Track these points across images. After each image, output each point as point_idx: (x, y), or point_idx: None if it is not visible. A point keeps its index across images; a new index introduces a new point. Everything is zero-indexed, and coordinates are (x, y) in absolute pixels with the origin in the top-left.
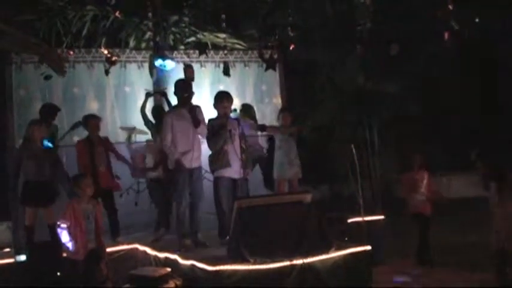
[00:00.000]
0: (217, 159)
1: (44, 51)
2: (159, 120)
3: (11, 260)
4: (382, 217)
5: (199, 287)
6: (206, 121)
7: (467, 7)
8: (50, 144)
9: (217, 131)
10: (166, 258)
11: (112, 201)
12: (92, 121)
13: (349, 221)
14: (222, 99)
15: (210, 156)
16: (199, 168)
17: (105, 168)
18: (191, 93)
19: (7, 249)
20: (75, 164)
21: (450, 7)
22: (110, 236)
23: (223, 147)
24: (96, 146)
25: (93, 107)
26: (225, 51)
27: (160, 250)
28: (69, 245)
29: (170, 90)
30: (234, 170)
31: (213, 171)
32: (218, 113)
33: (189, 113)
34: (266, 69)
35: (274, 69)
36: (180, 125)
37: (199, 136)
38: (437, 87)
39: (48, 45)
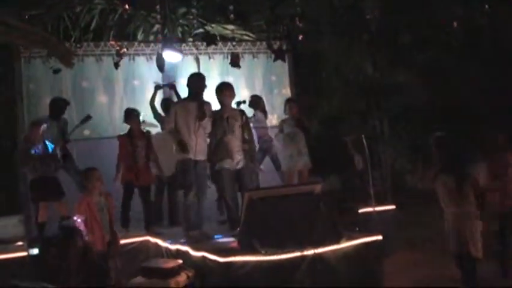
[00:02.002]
0: (218, 151)
1: (52, 44)
2: (168, 112)
3: (23, 254)
4: (393, 207)
5: (211, 278)
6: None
7: None
8: (49, 147)
9: (216, 121)
10: (177, 250)
11: (149, 194)
12: (132, 116)
13: (360, 211)
14: (221, 89)
15: (211, 148)
16: (204, 161)
17: (143, 163)
18: (203, 88)
19: (20, 243)
20: (85, 157)
21: None
22: (145, 227)
23: (222, 138)
24: (136, 140)
25: (102, 100)
26: (234, 43)
27: (171, 242)
28: (87, 238)
29: (179, 83)
30: (234, 161)
31: (214, 163)
32: (219, 104)
33: (198, 106)
34: (275, 60)
35: (284, 60)
36: (184, 117)
37: (204, 130)
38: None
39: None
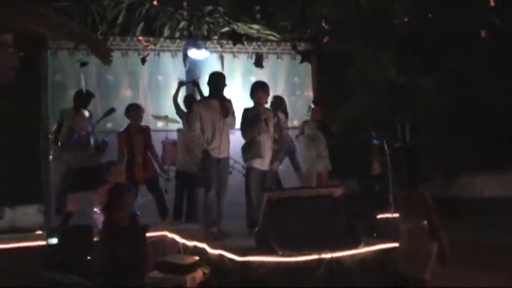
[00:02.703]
0: (250, 149)
1: (93, 41)
2: (190, 109)
3: (42, 243)
4: None
5: (227, 277)
6: (236, 114)
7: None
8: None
9: (251, 120)
10: (194, 246)
11: (156, 185)
12: (131, 112)
13: (379, 217)
14: (258, 89)
15: (243, 146)
16: (227, 159)
17: (142, 158)
18: (224, 85)
19: (38, 232)
20: (108, 149)
21: (492, 3)
22: (159, 215)
23: (256, 137)
24: (134, 136)
25: (126, 94)
26: (258, 43)
27: (188, 238)
28: None
29: (203, 80)
30: (265, 161)
31: (245, 160)
32: (254, 103)
33: (220, 104)
34: (302, 62)
35: (310, 62)
36: (208, 116)
37: (228, 128)
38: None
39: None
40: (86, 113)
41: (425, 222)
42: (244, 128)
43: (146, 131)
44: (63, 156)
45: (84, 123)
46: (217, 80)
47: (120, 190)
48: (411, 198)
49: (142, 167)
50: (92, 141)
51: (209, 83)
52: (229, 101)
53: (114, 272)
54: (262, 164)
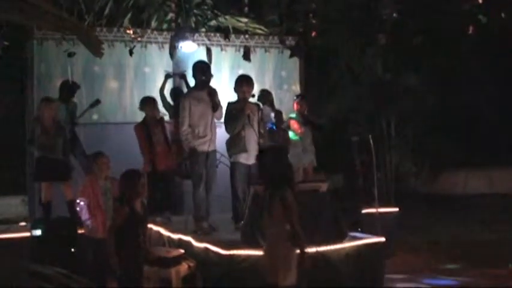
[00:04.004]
0: (235, 144)
1: (83, 32)
2: (177, 101)
3: (26, 234)
4: (396, 209)
5: (213, 270)
6: (222, 104)
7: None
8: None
9: (235, 115)
10: (180, 239)
11: (169, 182)
12: (148, 105)
13: (363, 211)
14: (242, 82)
15: (228, 140)
16: (215, 152)
17: (163, 148)
18: (210, 76)
19: (22, 223)
20: (93, 141)
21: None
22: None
23: (240, 132)
24: (152, 127)
25: (112, 86)
26: (246, 36)
27: (174, 231)
28: (89, 222)
29: (190, 73)
30: (250, 156)
31: (230, 155)
32: (238, 97)
33: (208, 95)
34: (291, 56)
35: (300, 57)
36: (198, 109)
37: (215, 119)
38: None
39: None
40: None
41: (287, 226)
42: (228, 122)
43: (162, 121)
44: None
45: (59, 113)
46: (202, 70)
47: (138, 177)
48: (273, 199)
49: (165, 156)
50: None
51: (194, 75)
52: (214, 90)
53: (137, 262)
54: (247, 158)
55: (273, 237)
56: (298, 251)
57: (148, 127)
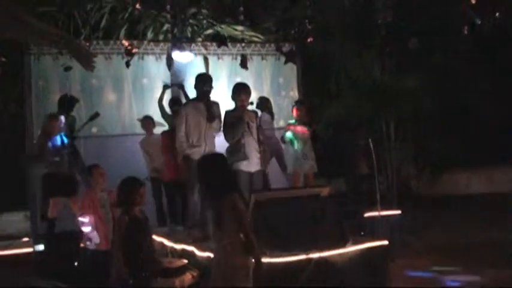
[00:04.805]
0: (235, 152)
1: (73, 46)
2: (176, 112)
3: (29, 250)
4: (398, 212)
5: None
6: (221, 113)
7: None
8: (65, 140)
9: (234, 123)
10: (183, 249)
11: (183, 188)
12: None
13: (366, 215)
14: (239, 91)
15: (228, 149)
16: None
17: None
18: (210, 88)
19: (25, 239)
20: (93, 154)
21: (473, 1)
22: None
23: (240, 140)
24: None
25: (111, 98)
26: (243, 44)
27: (176, 242)
28: (93, 235)
29: (187, 82)
30: (251, 163)
31: (230, 163)
32: (236, 105)
33: (206, 107)
34: (286, 62)
35: (295, 63)
36: (194, 119)
37: (214, 131)
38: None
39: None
40: (62, 118)
41: (241, 235)
42: (226, 130)
43: None
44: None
45: (60, 127)
46: (204, 82)
47: (137, 185)
48: (222, 208)
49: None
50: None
51: (195, 86)
52: (216, 104)
53: (144, 270)
54: (248, 166)
55: (225, 249)
56: (253, 260)
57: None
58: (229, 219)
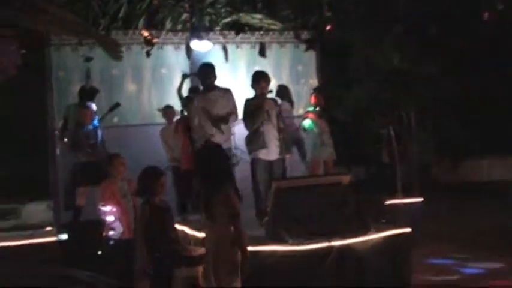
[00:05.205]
0: (254, 140)
1: (100, 37)
2: (191, 100)
3: (53, 239)
4: (420, 199)
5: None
6: (238, 104)
7: None
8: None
9: (253, 111)
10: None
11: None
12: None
13: (387, 203)
14: (259, 79)
15: (247, 137)
16: (229, 149)
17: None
18: (213, 77)
19: (49, 228)
20: (113, 144)
21: None
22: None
23: (259, 128)
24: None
25: (130, 88)
26: (261, 32)
27: (198, 230)
28: (116, 225)
29: None
30: (270, 151)
31: (249, 152)
32: (255, 93)
33: (219, 96)
34: (307, 50)
35: (315, 50)
36: (207, 109)
37: (231, 122)
38: (477, 69)
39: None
40: (94, 107)
41: (231, 228)
42: (246, 118)
43: None
44: (72, 151)
45: (92, 116)
46: (205, 72)
47: (158, 175)
48: (215, 200)
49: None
50: (99, 135)
51: (199, 76)
52: (229, 92)
53: (167, 259)
54: (267, 154)
55: (215, 241)
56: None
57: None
58: (221, 212)
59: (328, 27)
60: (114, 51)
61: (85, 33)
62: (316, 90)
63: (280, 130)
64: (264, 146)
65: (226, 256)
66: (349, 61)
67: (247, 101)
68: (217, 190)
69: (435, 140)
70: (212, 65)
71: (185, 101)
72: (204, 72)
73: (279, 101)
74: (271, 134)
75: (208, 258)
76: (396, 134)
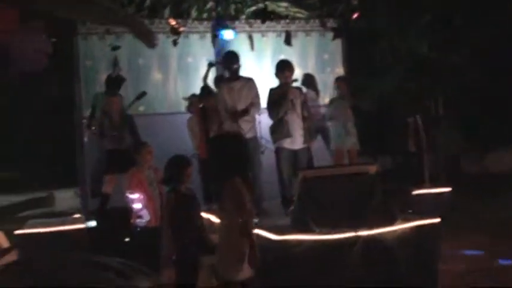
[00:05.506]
0: (278, 130)
1: (135, 24)
2: (219, 87)
3: (81, 226)
4: (448, 189)
5: (264, 256)
6: (261, 93)
7: None
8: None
9: (277, 100)
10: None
11: None
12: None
13: (414, 193)
14: (283, 68)
15: (271, 126)
16: (254, 138)
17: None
18: (238, 65)
19: (77, 215)
20: (140, 133)
21: None
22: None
23: (284, 117)
24: (209, 114)
25: (156, 77)
26: (287, 20)
27: None
28: (143, 212)
29: None
30: (295, 140)
31: (274, 141)
32: (279, 82)
33: (241, 85)
34: (334, 38)
35: (343, 38)
36: (230, 98)
37: (254, 113)
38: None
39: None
40: (121, 97)
41: (239, 219)
42: (270, 107)
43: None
44: (100, 140)
45: (120, 105)
46: (229, 60)
47: (185, 164)
48: (224, 189)
49: None
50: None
51: (223, 64)
52: (251, 80)
53: (193, 247)
54: (292, 143)
55: (223, 230)
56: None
57: (205, 112)
58: (229, 202)
59: (354, 16)
60: (148, 39)
61: (119, 20)
62: (339, 79)
63: (304, 119)
64: (288, 135)
65: (234, 246)
66: (375, 50)
67: (271, 90)
68: (224, 180)
69: (462, 130)
70: (236, 53)
71: (203, 91)
72: (228, 60)
73: (304, 89)
74: (295, 123)
75: (218, 248)
76: (423, 123)
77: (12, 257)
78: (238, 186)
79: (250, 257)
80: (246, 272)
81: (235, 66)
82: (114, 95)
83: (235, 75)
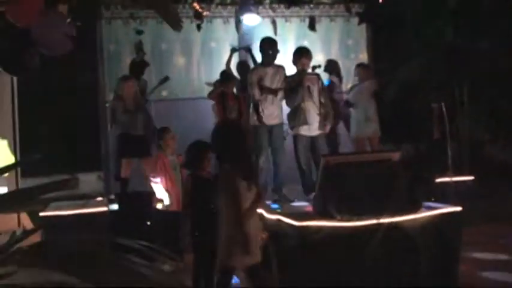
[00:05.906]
0: (295, 117)
1: (163, 4)
2: (243, 75)
3: (104, 209)
4: (471, 178)
5: (285, 242)
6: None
7: None
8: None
9: (294, 87)
10: None
11: None
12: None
13: (437, 181)
14: (300, 55)
15: (288, 113)
16: (280, 125)
17: None
18: (276, 52)
19: (100, 198)
20: (163, 117)
21: None
22: None
23: (300, 104)
24: (228, 100)
25: (180, 62)
26: (311, 6)
27: None
28: (165, 197)
29: (255, 46)
30: (311, 127)
31: (291, 128)
32: (296, 69)
33: (273, 72)
34: (359, 24)
35: (369, 23)
36: (263, 82)
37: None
38: None
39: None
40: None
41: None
42: (287, 95)
43: (239, 98)
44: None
45: (134, 89)
46: (268, 46)
47: (206, 148)
48: (225, 178)
49: None
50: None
51: (261, 49)
52: (282, 67)
53: (212, 232)
54: (309, 130)
55: (225, 218)
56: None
57: (225, 98)
58: (223, 190)
59: (380, 1)
60: (174, 22)
61: (147, 2)
62: (360, 66)
63: (322, 105)
64: (305, 122)
65: (232, 234)
66: (400, 35)
67: (288, 77)
68: (228, 168)
69: (488, 117)
70: (274, 39)
71: (222, 76)
72: (267, 45)
73: (328, 75)
74: (312, 110)
75: (219, 237)
76: (448, 110)
77: (36, 238)
78: (229, 175)
79: (245, 245)
80: (247, 259)
81: (275, 53)
82: (129, 79)
83: (270, 61)
